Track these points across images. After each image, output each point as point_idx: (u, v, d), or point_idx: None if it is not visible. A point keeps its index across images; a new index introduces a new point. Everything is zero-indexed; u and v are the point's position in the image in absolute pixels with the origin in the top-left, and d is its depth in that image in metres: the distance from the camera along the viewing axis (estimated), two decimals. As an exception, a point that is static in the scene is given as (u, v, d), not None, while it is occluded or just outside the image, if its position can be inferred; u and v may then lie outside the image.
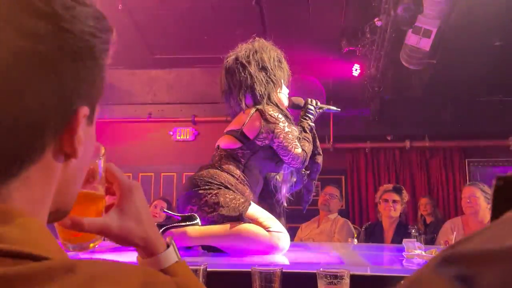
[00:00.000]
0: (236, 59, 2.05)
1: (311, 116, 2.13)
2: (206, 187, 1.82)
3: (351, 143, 6.12)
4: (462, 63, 5.04)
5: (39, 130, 0.46)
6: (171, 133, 6.25)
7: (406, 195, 3.65)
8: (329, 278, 1.10)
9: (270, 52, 2.06)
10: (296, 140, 1.95)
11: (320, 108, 2.18)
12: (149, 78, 6.25)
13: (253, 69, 2.00)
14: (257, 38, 2.11)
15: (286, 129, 1.93)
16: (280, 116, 1.94)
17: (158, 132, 6.24)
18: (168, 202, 4.03)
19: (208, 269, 1.18)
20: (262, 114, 1.93)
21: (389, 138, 6.09)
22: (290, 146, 1.92)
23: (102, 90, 0.55)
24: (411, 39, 4.25)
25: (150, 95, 6.27)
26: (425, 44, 4.23)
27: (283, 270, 1.16)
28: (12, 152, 0.45)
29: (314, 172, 2.16)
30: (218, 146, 2.02)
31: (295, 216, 5.00)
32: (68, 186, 0.54)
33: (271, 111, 1.94)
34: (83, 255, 1.06)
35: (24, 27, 0.45)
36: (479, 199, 3.16)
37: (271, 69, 2.03)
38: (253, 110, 1.95)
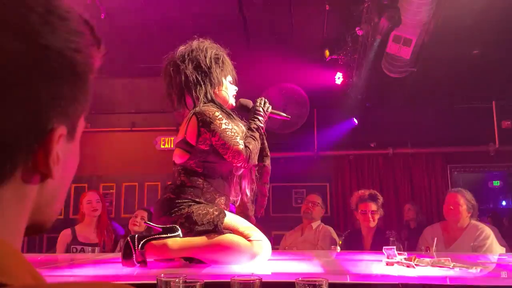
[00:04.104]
0: (171, 61, 1.97)
1: (259, 117, 2.01)
2: (176, 209, 1.79)
3: (335, 151, 6.17)
4: (442, 70, 5.15)
5: (9, 150, 0.44)
6: (155, 142, 6.22)
7: (380, 199, 3.57)
8: (307, 288, 1.10)
9: (207, 51, 1.96)
10: (237, 137, 1.83)
11: (267, 109, 2.05)
12: (132, 87, 6.22)
13: (188, 69, 1.91)
14: (196, 38, 2.01)
15: (224, 126, 1.82)
16: (217, 114, 1.84)
17: (141, 141, 6.20)
18: (149, 212, 3.98)
19: (187, 281, 1.17)
20: (198, 116, 1.85)
21: (372, 145, 6.17)
22: (229, 143, 1.80)
23: (86, 106, 0.52)
24: (392, 48, 4.32)
25: (133, 104, 6.24)
26: (406, 52, 4.31)
27: (263, 280, 1.16)
28: None
29: (264, 175, 2.03)
30: (174, 162, 1.95)
31: (280, 224, 5.06)
32: (46, 205, 0.51)
33: (208, 111, 1.84)
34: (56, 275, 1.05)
35: None
36: (461, 206, 3.15)
37: (208, 67, 1.93)
38: (190, 114, 1.89)
